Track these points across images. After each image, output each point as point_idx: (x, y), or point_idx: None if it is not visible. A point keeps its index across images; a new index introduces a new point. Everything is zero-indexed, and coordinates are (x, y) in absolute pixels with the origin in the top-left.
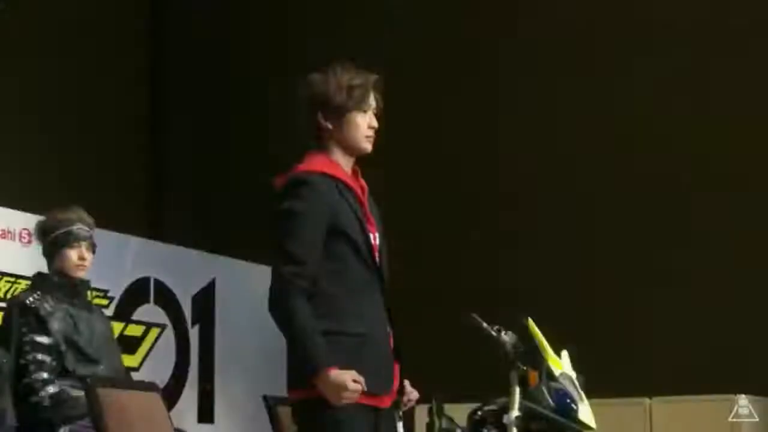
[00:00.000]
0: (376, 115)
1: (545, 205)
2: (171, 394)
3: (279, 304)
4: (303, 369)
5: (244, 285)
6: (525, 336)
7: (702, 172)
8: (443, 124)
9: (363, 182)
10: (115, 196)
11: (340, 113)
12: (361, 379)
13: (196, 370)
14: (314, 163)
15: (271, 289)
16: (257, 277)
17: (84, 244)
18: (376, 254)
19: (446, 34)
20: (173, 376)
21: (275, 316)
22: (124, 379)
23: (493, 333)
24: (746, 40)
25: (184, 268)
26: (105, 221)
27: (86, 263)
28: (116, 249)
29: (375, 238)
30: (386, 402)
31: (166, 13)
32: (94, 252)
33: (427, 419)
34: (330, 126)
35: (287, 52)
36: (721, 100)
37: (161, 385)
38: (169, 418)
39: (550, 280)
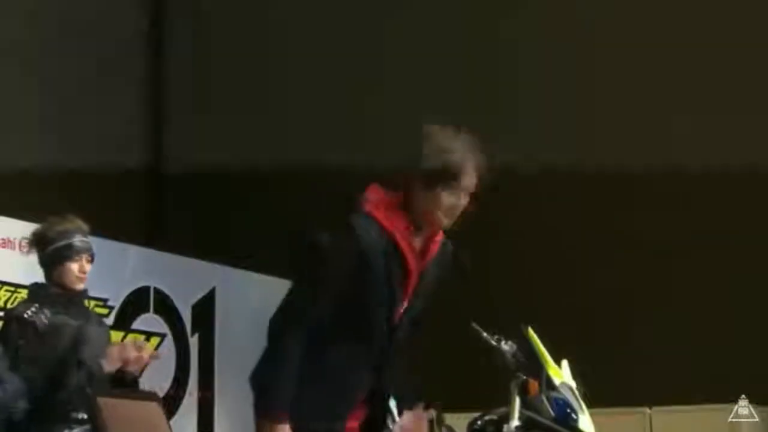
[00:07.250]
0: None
1: (546, 214)
2: (171, 403)
3: (275, 332)
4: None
5: (244, 294)
6: (525, 345)
7: (701, 181)
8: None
9: (434, 247)
10: (115, 205)
11: (424, 183)
12: None
13: (196, 378)
14: (380, 205)
15: (272, 319)
16: (257, 286)
17: (84, 257)
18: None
19: None
20: (173, 385)
21: (269, 334)
22: (123, 389)
23: (493, 342)
24: None
25: (184, 277)
26: (105, 230)
27: (86, 275)
28: (116, 258)
29: (400, 310)
30: None
31: (168, 13)
32: (92, 262)
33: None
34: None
35: (287, 55)
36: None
37: (161, 394)
38: (169, 427)
39: (550, 289)
